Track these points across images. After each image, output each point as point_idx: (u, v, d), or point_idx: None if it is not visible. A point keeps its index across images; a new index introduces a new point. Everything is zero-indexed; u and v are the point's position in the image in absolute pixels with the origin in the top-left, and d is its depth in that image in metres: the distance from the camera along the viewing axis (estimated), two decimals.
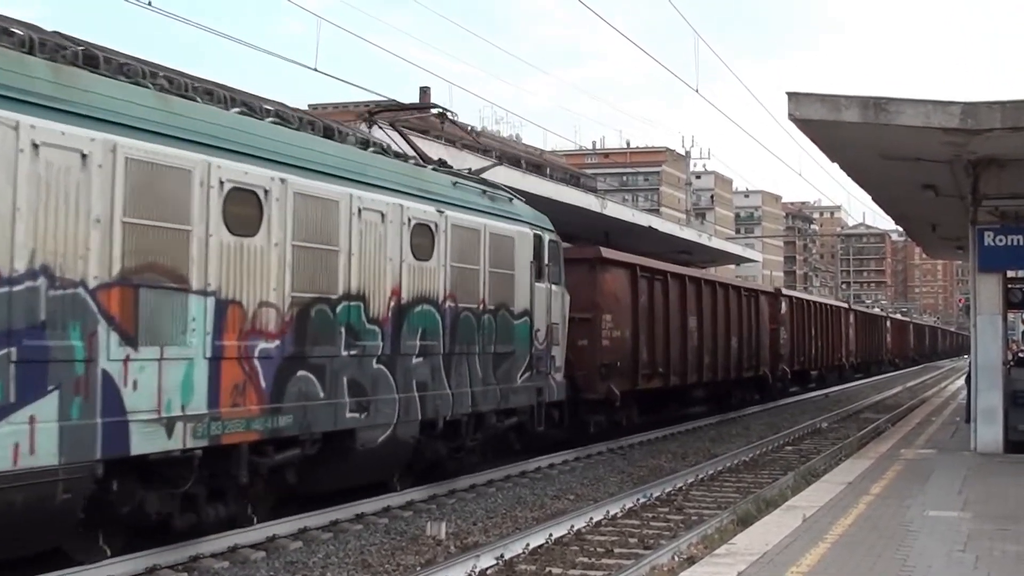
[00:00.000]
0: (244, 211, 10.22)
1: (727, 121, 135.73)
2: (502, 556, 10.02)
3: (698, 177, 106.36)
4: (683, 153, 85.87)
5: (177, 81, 10.57)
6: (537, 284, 15.97)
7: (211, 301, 9.74)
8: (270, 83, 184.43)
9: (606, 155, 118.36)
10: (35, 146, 8.16)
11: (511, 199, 15.98)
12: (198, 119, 9.99)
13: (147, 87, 9.86)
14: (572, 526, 11.64)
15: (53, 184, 8.34)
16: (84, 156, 8.58)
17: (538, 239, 16.12)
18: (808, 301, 38.56)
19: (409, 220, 12.79)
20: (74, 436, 8.35)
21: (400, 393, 12.51)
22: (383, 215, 12.30)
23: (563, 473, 16.63)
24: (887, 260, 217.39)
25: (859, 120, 14.22)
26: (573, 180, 69.82)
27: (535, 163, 73.24)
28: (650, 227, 36.42)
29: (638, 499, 13.74)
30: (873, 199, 23.08)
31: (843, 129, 14.75)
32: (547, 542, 10.82)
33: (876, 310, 77.93)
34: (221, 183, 9.92)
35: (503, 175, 25.39)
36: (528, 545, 10.56)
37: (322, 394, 11.19)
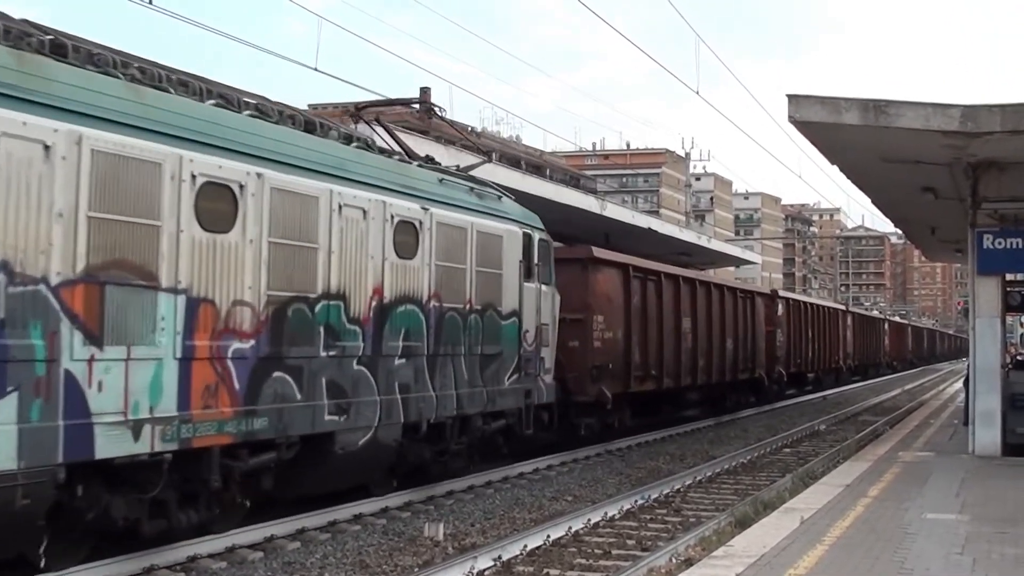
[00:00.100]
0: (218, 206, 9.89)
1: (727, 123, 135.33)
2: (500, 557, 9.99)
3: (698, 179, 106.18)
4: (683, 155, 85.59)
5: (150, 71, 10.24)
6: (526, 284, 15.63)
7: (182, 299, 9.40)
8: (271, 83, 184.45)
9: (606, 156, 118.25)
10: None
11: (500, 197, 15.64)
12: (170, 111, 9.65)
13: (118, 77, 9.53)
14: (570, 528, 11.58)
15: (14, 176, 8.00)
16: (47, 147, 8.25)
17: (527, 238, 15.78)
18: (805, 303, 38.26)
19: (392, 217, 12.45)
20: (34, 439, 8.01)
21: (382, 395, 12.17)
22: (365, 212, 11.96)
23: (561, 475, 16.58)
24: (886, 263, 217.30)
25: (859, 123, 14.25)
26: (573, 181, 69.62)
27: (535, 164, 73.10)
28: (649, 229, 36.26)
29: (636, 501, 13.67)
30: (872, 201, 23.07)
31: (843, 131, 14.76)
32: (545, 543, 10.77)
33: (875, 312, 77.65)
34: (193, 177, 9.58)
35: (502, 175, 25.20)
36: (526, 546, 10.54)
37: (299, 396, 10.85)
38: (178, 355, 9.35)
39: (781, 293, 36.59)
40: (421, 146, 17.64)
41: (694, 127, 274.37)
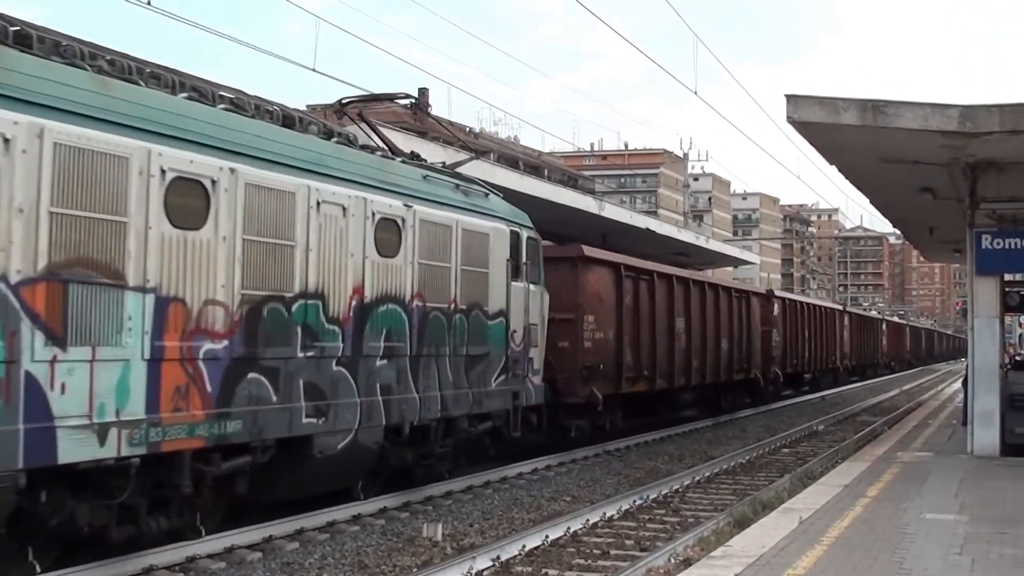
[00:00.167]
0: (188, 202, 9.57)
1: (726, 123, 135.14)
2: (498, 558, 9.98)
3: (696, 179, 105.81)
4: (681, 155, 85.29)
5: (120, 63, 9.93)
6: (514, 283, 15.29)
7: (150, 298, 9.09)
8: (270, 84, 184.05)
9: (604, 157, 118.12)
10: None
11: (487, 194, 15.31)
12: (139, 103, 9.34)
13: (84, 69, 9.22)
14: (568, 528, 11.56)
15: None
16: (6, 140, 7.95)
17: (515, 236, 15.45)
18: (801, 303, 37.95)
19: (373, 214, 12.13)
20: None
21: (362, 397, 11.85)
22: (345, 208, 11.64)
23: (559, 475, 16.53)
24: (884, 263, 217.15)
25: (857, 123, 14.25)
26: (571, 182, 69.41)
27: (533, 165, 72.86)
28: (648, 229, 36.14)
29: (634, 501, 13.64)
30: (871, 202, 23.05)
31: (841, 132, 14.75)
32: (543, 544, 10.76)
33: (873, 313, 77.40)
34: (163, 172, 9.27)
35: (500, 175, 25.01)
36: (524, 547, 10.54)
37: (275, 398, 10.52)
38: (146, 356, 9.03)
39: (777, 293, 36.31)
40: (422, 148, 17.39)
41: (692, 127, 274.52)
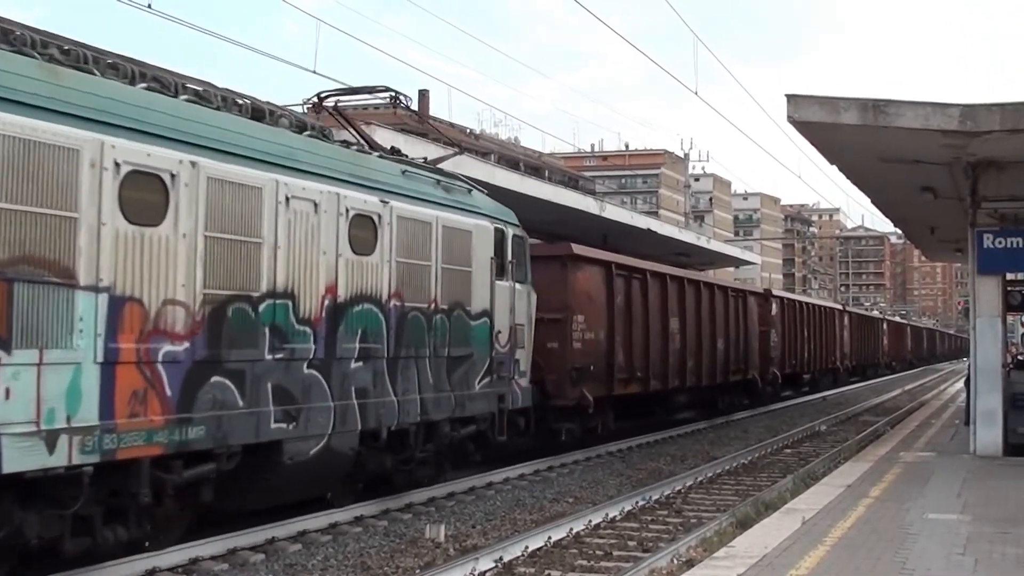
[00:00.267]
0: (145, 197, 9.11)
1: (726, 123, 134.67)
2: (501, 559, 10.00)
3: (697, 180, 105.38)
4: (682, 155, 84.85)
5: (75, 52, 9.46)
6: (498, 282, 14.81)
7: (103, 298, 8.62)
8: (269, 85, 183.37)
9: (605, 158, 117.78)
10: None
11: (470, 190, 14.81)
12: (92, 93, 8.87)
13: (32, 57, 8.76)
14: (571, 529, 11.56)
15: None
16: None
17: (500, 233, 14.96)
18: (800, 302, 37.46)
19: (347, 210, 11.64)
20: None
21: (336, 400, 11.36)
22: (316, 204, 11.16)
23: (562, 476, 16.49)
24: (886, 263, 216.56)
25: (858, 122, 14.23)
26: (572, 183, 69.04)
27: (534, 166, 72.50)
28: (648, 229, 35.93)
29: (637, 502, 13.65)
30: (872, 201, 22.99)
31: (842, 131, 14.75)
32: (546, 545, 10.76)
33: (874, 312, 76.90)
34: (117, 165, 8.80)
35: (500, 176, 24.68)
36: (527, 548, 10.56)
37: (241, 402, 10.04)
38: (99, 359, 8.56)
39: (775, 292, 35.87)
40: (428, 149, 16.96)
41: (693, 128, 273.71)
